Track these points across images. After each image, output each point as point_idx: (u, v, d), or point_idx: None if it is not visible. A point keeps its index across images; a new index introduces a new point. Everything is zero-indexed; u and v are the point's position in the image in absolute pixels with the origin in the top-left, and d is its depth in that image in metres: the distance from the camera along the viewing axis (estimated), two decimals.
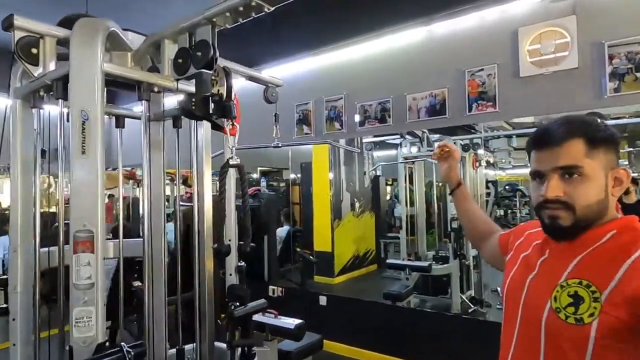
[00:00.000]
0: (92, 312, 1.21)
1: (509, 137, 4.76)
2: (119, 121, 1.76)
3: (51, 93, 1.41)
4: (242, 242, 1.22)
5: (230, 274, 1.67)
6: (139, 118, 1.58)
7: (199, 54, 1.37)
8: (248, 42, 4.31)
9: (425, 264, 4.23)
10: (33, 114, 1.56)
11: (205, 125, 1.61)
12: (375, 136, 4.82)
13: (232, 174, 1.59)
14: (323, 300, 3.45)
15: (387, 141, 5.14)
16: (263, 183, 5.04)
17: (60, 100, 1.37)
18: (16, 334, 1.51)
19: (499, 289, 3.99)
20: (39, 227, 1.52)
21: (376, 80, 3.38)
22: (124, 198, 4.65)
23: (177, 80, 1.50)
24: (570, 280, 0.77)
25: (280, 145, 2.50)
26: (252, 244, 1.24)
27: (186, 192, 3.23)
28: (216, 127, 1.33)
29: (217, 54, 1.37)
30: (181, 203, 1.85)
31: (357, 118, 3.46)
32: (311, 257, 5.05)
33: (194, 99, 1.26)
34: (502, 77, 2.73)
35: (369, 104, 3.38)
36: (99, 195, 1.25)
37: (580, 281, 0.75)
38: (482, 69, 2.80)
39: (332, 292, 5.16)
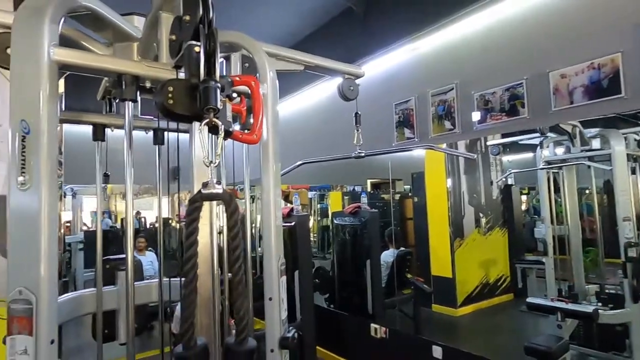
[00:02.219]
0: None
1: None
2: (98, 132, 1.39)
3: None
4: (232, 339, 0.66)
5: (272, 350, 1.12)
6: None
7: (187, 17, 0.87)
8: (338, 39, 3.84)
9: (589, 308, 3.06)
10: None
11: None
12: (503, 136, 3.86)
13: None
14: (437, 352, 2.65)
15: (521, 142, 4.08)
16: (364, 198, 4.46)
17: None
18: None
19: None
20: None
21: (500, 59, 2.49)
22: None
23: (178, 67, 1.03)
24: None
25: (363, 154, 1.89)
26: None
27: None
28: (213, 130, 0.81)
29: (212, 14, 0.85)
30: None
31: (475, 116, 2.63)
32: (425, 286, 4.23)
33: (170, 88, 0.77)
34: None
35: (491, 92, 2.52)
36: (44, 244, 0.82)
37: None
38: None
39: (454, 330, 4.29)
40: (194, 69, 0.81)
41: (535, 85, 2.33)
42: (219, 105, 0.72)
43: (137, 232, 6.28)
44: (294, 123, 4.69)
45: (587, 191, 3.85)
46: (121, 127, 1.41)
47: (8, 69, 1.06)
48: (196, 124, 0.97)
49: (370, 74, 1.83)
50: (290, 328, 1.17)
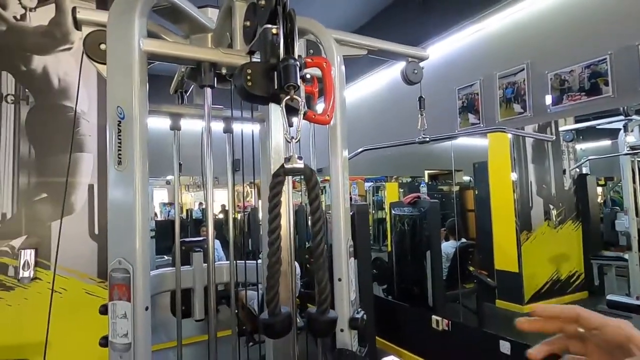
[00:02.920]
0: None
1: None
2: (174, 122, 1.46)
3: None
4: (313, 312, 0.67)
5: (342, 330, 1.14)
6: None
7: (262, 2, 0.89)
8: (395, 27, 3.74)
9: None
10: None
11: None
12: (577, 121, 3.55)
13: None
14: (505, 347, 2.53)
15: (599, 127, 3.72)
16: (423, 189, 4.35)
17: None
18: None
19: None
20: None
21: (579, 33, 2.29)
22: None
23: (251, 53, 1.06)
24: None
25: (428, 139, 1.84)
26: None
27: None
28: (292, 108, 0.82)
29: None
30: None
31: (548, 99, 2.44)
32: (489, 280, 4.05)
33: (249, 71, 0.80)
34: None
35: (567, 70, 2.32)
36: (139, 219, 0.90)
37: None
38: None
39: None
40: (271, 50, 0.83)
41: (621, 60, 2.10)
42: (299, 82, 0.74)
43: (200, 222, 6.66)
44: (353, 111, 4.69)
45: None
46: (196, 116, 1.50)
47: (100, 63, 1.17)
48: (272, 106, 1.00)
49: (430, 59, 1.77)
50: (359, 310, 1.18)
